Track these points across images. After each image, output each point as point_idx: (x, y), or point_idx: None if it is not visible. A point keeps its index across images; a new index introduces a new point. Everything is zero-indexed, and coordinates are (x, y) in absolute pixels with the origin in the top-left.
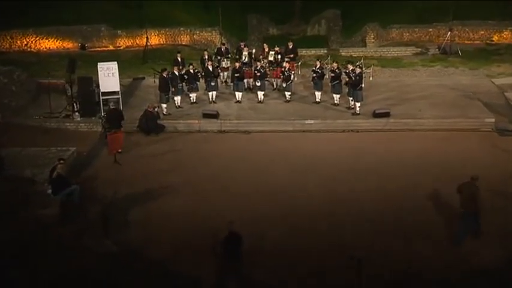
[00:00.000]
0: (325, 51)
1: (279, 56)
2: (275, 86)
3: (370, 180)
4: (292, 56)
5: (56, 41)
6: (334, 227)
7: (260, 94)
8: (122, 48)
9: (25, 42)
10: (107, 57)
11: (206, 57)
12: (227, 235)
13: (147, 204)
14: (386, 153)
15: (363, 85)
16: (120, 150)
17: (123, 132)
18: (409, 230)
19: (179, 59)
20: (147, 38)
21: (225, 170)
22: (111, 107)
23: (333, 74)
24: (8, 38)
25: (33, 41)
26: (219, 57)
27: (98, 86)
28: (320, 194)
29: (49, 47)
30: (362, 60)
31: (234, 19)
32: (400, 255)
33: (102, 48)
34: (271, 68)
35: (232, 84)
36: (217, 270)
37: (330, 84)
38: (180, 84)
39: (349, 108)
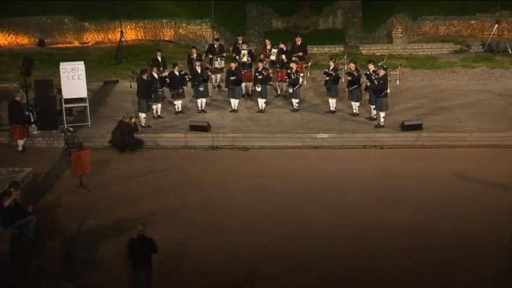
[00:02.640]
0: (342, 49)
1: (284, 55)
2: (279, 92)
3: (399, 209)
4: (300, 54)
5: (8, 35)
6: (351, 272)
7: (261, 102)
8: (90, 44)
9: None
10: (72, 55)
11: (194, 56)
12: (134, 238)
13: (119, 239)
14: (417, 175)
15: (388, 91)
16: (87, 171)
17: (91, 149)
18: (448, 277)
19: (159, 58)
20: (121, 32)
21: (217, 197)
22: (15, 99)
23: (350, 77)
24: None
25: None
26: (210, 56)
27: (59, 91)
28: (334, 228)
29: None
30: (385, 59)
31: (230, 9)
32: None
33: (65, 45)
34: (274, 69)
35: (227, 89)
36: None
37: (347, 89)
38: (161, 90)
39: (371, 119)
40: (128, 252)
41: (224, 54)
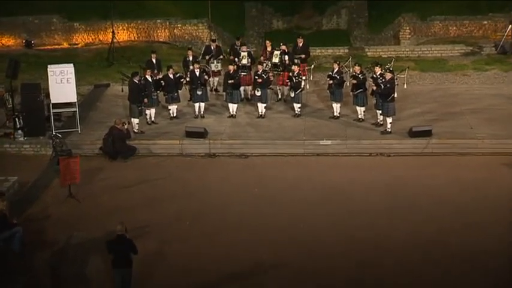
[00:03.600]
0: (346, 51)
1: (286, 57)
2: (280, 96)
3: (406, 221)
4: (302, 56)
5: None
6: (354, 287)
7: (261, 106)
8: (79, 45)
9: None
10: (60, 57)
11: (191, 58)
12: (113, 238)
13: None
14: (426, 184)
15: (395, 95)
16: (76, 181)
17: (80, 157)
18: None
19: (154, 60)
20: (113, 32)
21: (214, 207)
22: None
23: (355, 81)
24: None
25: None
26: (207, 58)
27: (47, 95)
28: (338, 240)
29: None
30: (393, 62)
31: (228, 9)
32: None
33: (53, 46)
34: (275, 72)
35: (224, 93)
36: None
37: (351, 93)
38: (155, 94)
39: (377, 124)
40: (108, 250)
41: (221, 57)
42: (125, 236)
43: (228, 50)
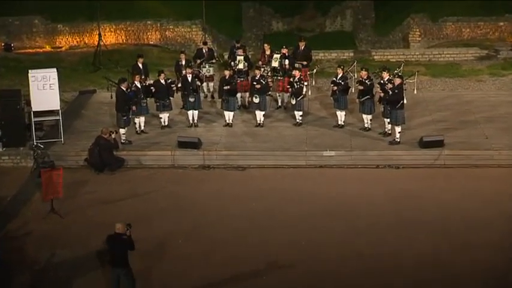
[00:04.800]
0: (351, 54)
1: (286, 61)
2: (280, 103)
3: (416, 238)
4: (304, 63)
5: None
6: None
7: (259, 114)
8: (63, 49)
9: None
10: (43, 62)
11: (183, 62)
12: (111, 234)
13: (96, 272)
14: (438, 198)
15: (404, 101)
16: (59, 195)
17: (64, 169)
18: None
19: (140, 64)
20: (99, 34)
21: (208, 224)
22: None
23: (361, 87)
24: None
25: None
26: (198, 62)
27: (28, 102)
28: (342, 259)
29: None
30: (402, 66)
31: (224, 9)
32: None
33: (35, 50)
34: (275, 77)
35: (220, 100)
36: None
37: (357, 100)
38: (145, 101)
39: (385, 134)
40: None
41: (214, 60)
42: (120, 235)
43: (224, 53)
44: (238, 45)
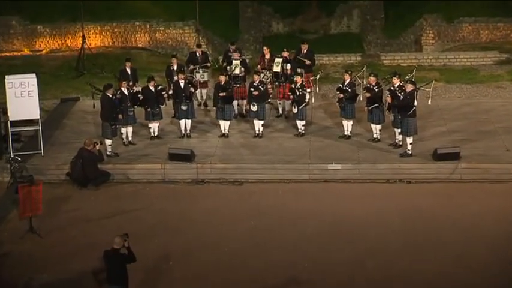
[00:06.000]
0: (359, 59)
1: (288, 66)
2: (281, 112)
3: (430, 260)
4: (307, 65)
5: None
6: None
7: (258, 124)
8: (43, 52)
9: None
10: (21, 66)
11: (175, 67)
12: (107, 250)
13: None
14: (454, 216)
15: (415, 104)
16: (38, 212)
17: (44, 184)
18: None
19: (128, 69)
20: (83, 37)
21: (202, 244)
22: None
23: (370, 94)
24: None
25: None
26: (192, 67)
27: (4, 111)
28: (349, 283)
29: None
30: (414, 72)
31: (219, 9)
32: None
33: (12, 53)
34: (275, 83)
35: (215, 109)
36: None
37: (365, 109)
38: (132, 109)
39: (395, 145)
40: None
41: (208, 64)
42: (118, 251)
43: (220, 57)
44: (234, 47)
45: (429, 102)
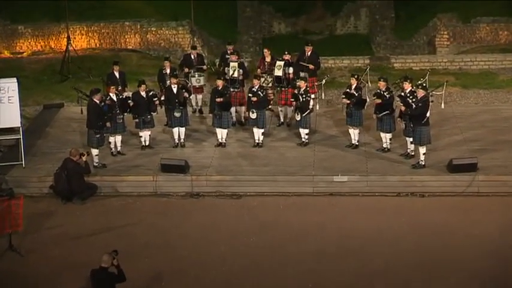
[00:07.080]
0: (367, 61)
1: (290, 70)
2: (283, 119)
3: (445, 279)
4: (311, 69)
5: None
6: None
7: (258, 132)
8: (25, 55)
9: None
10: (0, 70)
11: (168, 70)
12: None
13: None
14: (471, 232)
15: (428, 114)
16: (19, 228)
17: (25, 198)
18: None
19: (116, 73)
20: (68, 38)
21: (198, 263)
22: None
23: (379, 100)
24: None
25: None
26: (186, 71)
27: None
28: None
29: None
30: (427, 76)
31: (216, 8)
32: None
33: None
34: (276, 88)
35: (212, 116)
36: None
37: (374, 116)
38: (121, 117)
39: (407, 156)
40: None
41: (204, 68)
42: (106, 270)
43: (216, 60)
44: (231, 47)
45: (442, 106)
